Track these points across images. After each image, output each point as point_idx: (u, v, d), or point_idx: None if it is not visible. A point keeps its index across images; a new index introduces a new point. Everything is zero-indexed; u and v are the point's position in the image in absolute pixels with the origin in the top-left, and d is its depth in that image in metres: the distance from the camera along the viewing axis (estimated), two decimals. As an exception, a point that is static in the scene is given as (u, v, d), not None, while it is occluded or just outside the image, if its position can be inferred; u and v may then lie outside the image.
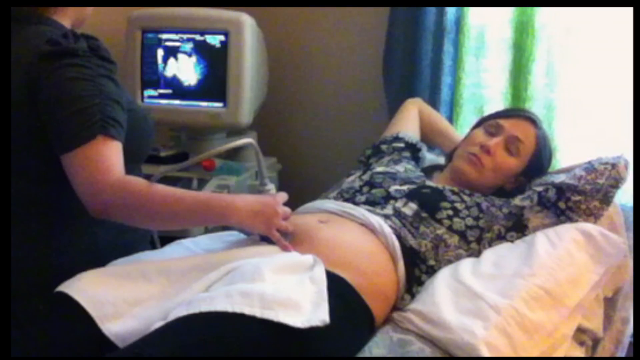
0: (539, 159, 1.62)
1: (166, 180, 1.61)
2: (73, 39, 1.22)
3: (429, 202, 1.48)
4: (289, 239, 1.29)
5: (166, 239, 1.39)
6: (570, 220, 1.44)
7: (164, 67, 2.05)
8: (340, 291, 1.16)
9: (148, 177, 1.24)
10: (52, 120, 1.19)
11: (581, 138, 1.95)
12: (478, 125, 1.69)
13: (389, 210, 1.45)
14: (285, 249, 1.25)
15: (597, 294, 1.38)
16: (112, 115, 1.19)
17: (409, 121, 1.89)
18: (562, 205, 1.46)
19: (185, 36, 2.03)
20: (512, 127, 1.60)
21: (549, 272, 1.27)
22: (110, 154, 1.17)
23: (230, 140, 1.99)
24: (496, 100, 2.04)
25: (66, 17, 1.33)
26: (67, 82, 1.18)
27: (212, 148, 2.00)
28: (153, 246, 1.45)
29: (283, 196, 1.32)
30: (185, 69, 2.04)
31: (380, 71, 2.19)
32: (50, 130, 1.19)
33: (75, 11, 1.35)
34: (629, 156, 1.52)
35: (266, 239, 1.28)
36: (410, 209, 1.46)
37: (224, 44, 1.98)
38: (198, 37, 2.02)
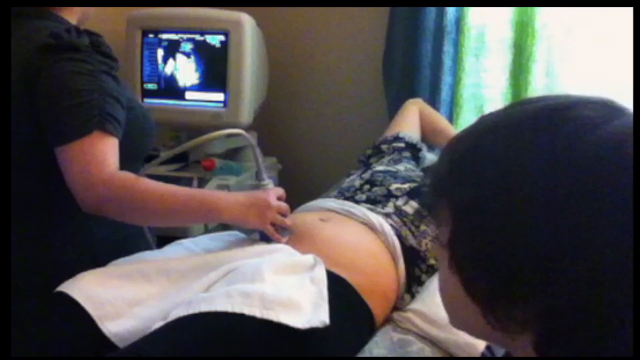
0: None
1: (167, 180, 1.60)
2: (76, 34, 1.22)
3: (429, 201, 1.47)
4: (289, 235, 1.29)
5: (166, 239, 1.39)
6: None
7: (164, 67, 2.05)
8: (340, 291, 1.16)
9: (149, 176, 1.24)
10: (49, 112, 1.18)
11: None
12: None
13: (389, 208, 1.45)
14: (278, 241, 1.26)
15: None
16: (110, 111, 1.18)
17: (410, 121, 1.90)
18: None
19: (185, 36, 2.02)
20: None
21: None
22: (106, 150, 1.17)
23: (231, 141, 2.00)
24: (496, 100, 2.04)
25: (73, 14, 1.33)
26: (67, 75, 1.18)
27: (212, 148, 2.01)
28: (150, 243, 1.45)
29: (278, 191, 1.32)
30: (185, 69, 2.04)
31: (380, 71, 2.19)
32: (46, 122, 1.19)
33: (82, 9, 1.35)
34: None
35: (265, 239, 1.28)
36: (411, 207, 1.45)
37: (224, 44, 1.98)
38: (198, 37, 2.01)
